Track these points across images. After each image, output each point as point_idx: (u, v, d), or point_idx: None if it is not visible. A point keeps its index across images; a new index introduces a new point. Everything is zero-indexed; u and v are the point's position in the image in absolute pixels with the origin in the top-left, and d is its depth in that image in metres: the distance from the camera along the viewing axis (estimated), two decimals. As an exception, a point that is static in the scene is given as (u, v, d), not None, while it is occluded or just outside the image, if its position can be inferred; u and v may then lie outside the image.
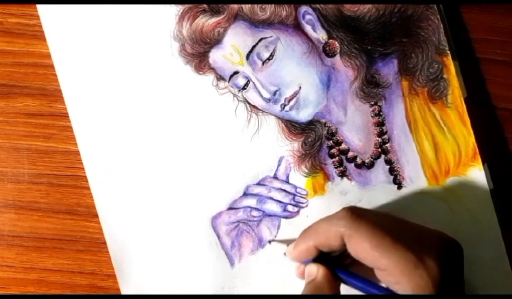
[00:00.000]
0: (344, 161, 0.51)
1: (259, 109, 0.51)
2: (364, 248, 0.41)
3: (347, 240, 0.42)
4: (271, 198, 0.51)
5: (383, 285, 0.43)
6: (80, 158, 0.51)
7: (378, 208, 0.50)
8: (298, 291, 0.45)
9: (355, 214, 0.42)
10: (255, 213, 0.51)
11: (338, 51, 0.51)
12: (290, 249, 0.46)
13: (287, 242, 0.49)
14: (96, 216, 0.51)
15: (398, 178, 0.51)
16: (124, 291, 0.51)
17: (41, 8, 0.51)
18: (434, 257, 0.40)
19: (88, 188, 0.51)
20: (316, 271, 0.44)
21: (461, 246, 0.43)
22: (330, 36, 0.51)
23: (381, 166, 0.51)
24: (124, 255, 0.51)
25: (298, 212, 0.51)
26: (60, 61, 0.51)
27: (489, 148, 0.51)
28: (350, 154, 0.51)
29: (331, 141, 0.51)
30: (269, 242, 0.51)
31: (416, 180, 0.50)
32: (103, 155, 0.51)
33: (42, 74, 0.52)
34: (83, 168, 0.51)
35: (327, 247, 0.43)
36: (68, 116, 0.51)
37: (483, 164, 0.50)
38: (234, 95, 0.51)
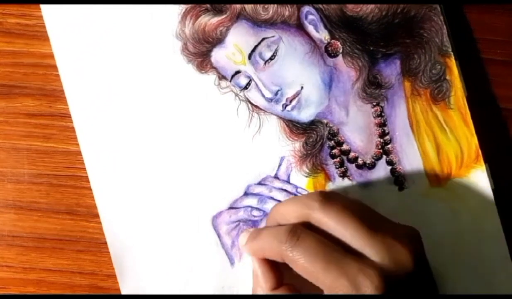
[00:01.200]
0: (346, 162, 0.51)
1: (261, 109, 0.51)
2: (300, 270, 0.42)
3: (285, 258, 0.42)
4: (272, 198, 0.51)
5: None
6: (80, 158, 0.51)
7: (379, 210, 0.50)
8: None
9: (293, 233, 0.42)
10: (256, 213, 0.51)
11: (341, 51, 0.51)
12: (246, 242, 0.46)
13: None
14: (96, 216, 0.51)
15: (399, 179, 0.51)
16: (124, 291, 0.51)
17: (44, 8, 0.50)
18: (370, 281, 0.40)
19: (88, 188, 0.51)
20: (252, 259, 0.46)
21: (418, 260, 0.42)
22: (332, 37, 0.51)
23: (382, 166, 0.51)
24: (124, 254, 0.51)
25: (299, 212, 0.51)
26: (63, 59, 0.50)
27: (490, 148, 0.51)
28: (351, 155, 0.51)
29: (332, 142, 0.51)
30: None
31: (418, 181, 0.50)
32: (104, 153, 0.51)
33: (42, 74, 0.52)
34: (83, 168, 0.51)
35: (273, 257, 0.44)
36: (68, 117, 0.51)
37: (484, 164, 0.50)
38: (236, 94, 0.51)
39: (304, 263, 0.41)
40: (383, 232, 0.42)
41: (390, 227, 0.43)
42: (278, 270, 0.45)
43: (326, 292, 0.41)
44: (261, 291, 0.44)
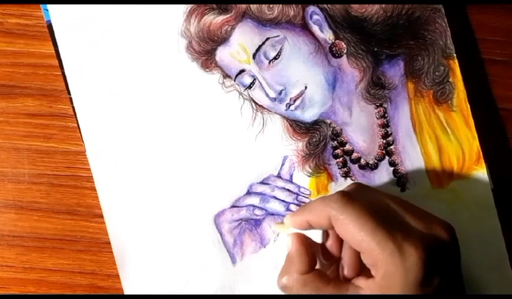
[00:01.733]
0: (348, 162, 0.51)
1: (265, 108, 0.51)
2: (347, 231, 0.42)
3: (334, 222, 0.43)
4: (275, 197, 0.51)
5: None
6: (81, 158, 0.51)
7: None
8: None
9: (345, 198, 0.43)
10: (258, 212, 0.51)
11: (345, 52, 0.51)
12: (288, 216, 0.47)
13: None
14: (96, 216, 0.51)
15: (401, 179, 0.51)
16: (126, 288, 0.51)
17: (51, 8, 0.49)
18: (415, 248, 0.41)
19: (89, 188, 0.51)
20: (290, 242, 0.46)
21: (456, 244, 0.44)
22: (337, 37, 0.50)
23: (385, 167, 0.51)
24: (127, 252, 0.50)
25: (301, 211, 0.51)
26: (68, 58, 0.50)
27: (489, 148, 0.52)
28: (354, 155, 0.51)
29: (335, 142, 0.51)
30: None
31: (419, 182, 0.51)
32: (108, 151, 0.50)
33: (42, 74, 0.51)
34: (83, 168, 0.51)
35: (318, 225, 0.45)
36: (68, 117, 0.51)
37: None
38: (240, 93, 0.51)
39: (354, 224, 0.42)
40: (423, 212, 0.44)
41: (427, 212, 0.45)
42: (312, 254, 0.45)
43: (367, 257, 0.42)
44: (292, 275, 0.45)
